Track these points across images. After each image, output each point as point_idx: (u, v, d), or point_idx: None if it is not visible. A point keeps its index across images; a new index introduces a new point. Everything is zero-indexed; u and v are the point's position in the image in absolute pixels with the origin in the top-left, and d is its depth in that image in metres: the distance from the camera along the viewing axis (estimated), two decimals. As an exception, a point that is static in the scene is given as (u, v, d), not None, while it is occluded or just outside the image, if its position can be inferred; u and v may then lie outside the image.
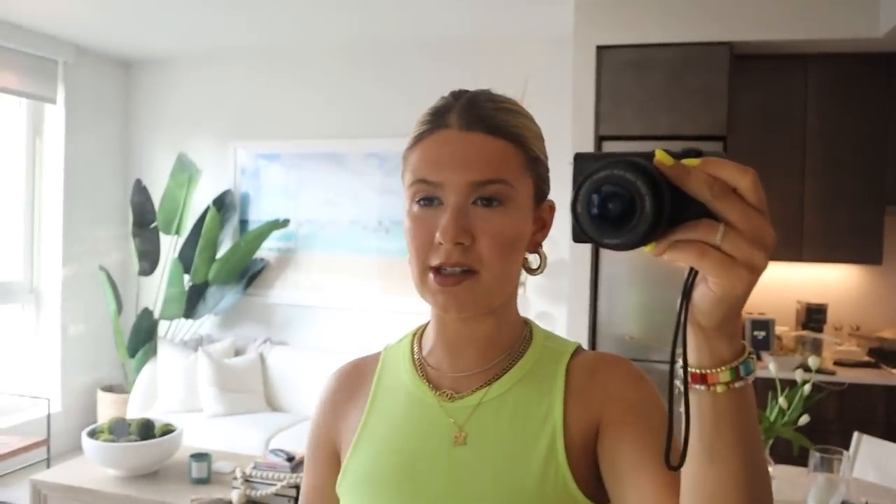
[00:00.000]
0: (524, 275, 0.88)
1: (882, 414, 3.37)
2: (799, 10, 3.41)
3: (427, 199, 0.80)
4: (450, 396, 0.86)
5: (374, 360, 0.96)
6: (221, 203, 4.56)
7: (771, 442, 2.08)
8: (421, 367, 0.90)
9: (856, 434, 2.58)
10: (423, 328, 0.94)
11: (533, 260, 0.88)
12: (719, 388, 0.54)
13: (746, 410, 0.56)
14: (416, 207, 0.81)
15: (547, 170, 0.87)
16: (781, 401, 2.00)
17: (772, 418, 2.01)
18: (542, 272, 0.89)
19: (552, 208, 0.88)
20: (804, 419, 2.02)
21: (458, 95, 0.85)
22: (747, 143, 3.61)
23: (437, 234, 0.77)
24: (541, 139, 0.86)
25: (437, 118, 0.82)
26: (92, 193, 4.73)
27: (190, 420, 3.79)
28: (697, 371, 0.55)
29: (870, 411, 3.36)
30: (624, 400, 0.81)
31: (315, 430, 0.95)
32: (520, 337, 0.89)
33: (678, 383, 0.56)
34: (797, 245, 3.66)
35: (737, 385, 0.54)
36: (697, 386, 0.55)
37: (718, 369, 0.54)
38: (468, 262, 0.78)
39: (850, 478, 2.14)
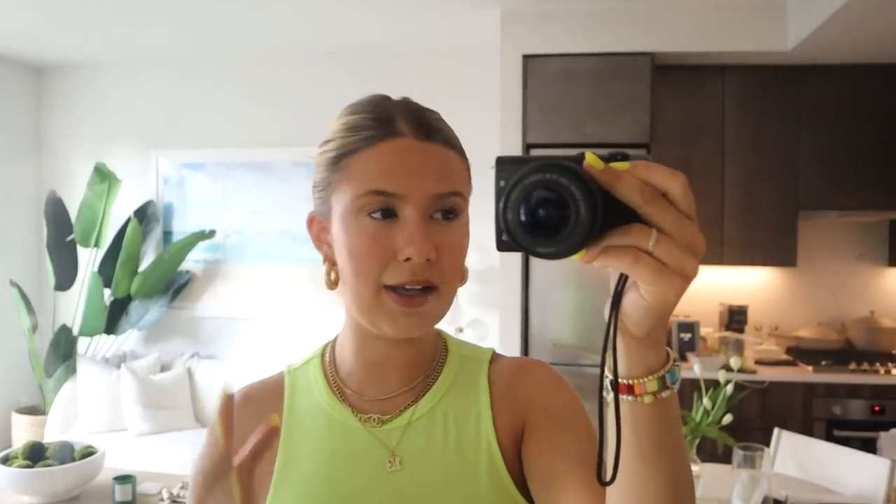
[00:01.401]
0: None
1: (800, 410, 3.51)
2: (715, 23, 3.54)
3: (383, 210, 0.73)
4: (377, 420, 0.81)
5: (278, 385, 0.88)
6: (143, 214, 4.41)
7: (697, 442, 2.14)
8: (339, 390, 0.84)
9: (776, 430, 2.68)
10: (331, 346, 0.88)
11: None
12: (647, 399, 0.53)
13: (672, 420, 0.56)
14: (367, 220, 0.73)
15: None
16: (706, 402, 2.06)
17: (697, 419, 2.07)
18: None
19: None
20: (727, 418, 2.09)
21: (390, 101, 0.80)
22: (670, 151, 3.72)
23: (406, 250, 0.71)
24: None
25: (386, 124, 0.76)
26: (1, 205, 4.50)
27: (114, 440, 3.65)
28: (625, 381, 0.54)
29: (789, 408, 3.51)
30: (545, 404, 0.80)
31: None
32: (436, 349, 0.87)
33: (607, 395, 0.55)
34: (718, 249, 3.79)
35: (663, 395, 0.54)
36: (624, 396, 0.54)
37: (646, 379, 0.53)
38: (432, 279, 0.73)
39: (771, 473, 2.22)
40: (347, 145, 0.76)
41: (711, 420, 2.06)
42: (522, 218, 0.48)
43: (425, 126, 0.77)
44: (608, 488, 0.58)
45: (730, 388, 2.08)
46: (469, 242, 0.81)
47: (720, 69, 3.82)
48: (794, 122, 3.79)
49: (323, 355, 0.89)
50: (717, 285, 4.08)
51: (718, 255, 3.80)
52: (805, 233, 3.91)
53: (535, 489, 0.77)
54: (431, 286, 0.74)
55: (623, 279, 0.52)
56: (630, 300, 0.51)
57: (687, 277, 0.49)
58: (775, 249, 3.80)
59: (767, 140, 3.82)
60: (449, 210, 0.75)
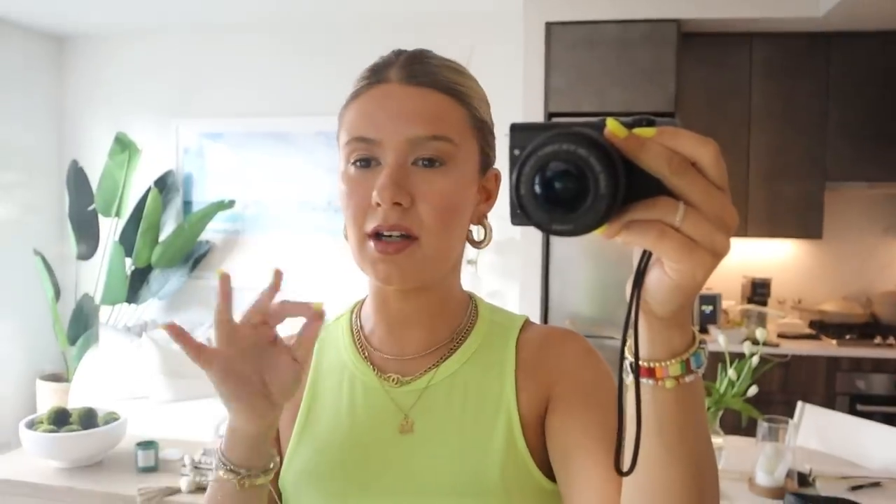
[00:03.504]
0: (475, 252, 0.83)
1: (822, 384, 3.48)
2: (744, -12, 3.45)
3: (363, 159, 0.74)
4: (396, 381, 0.80)
5: None
6: (164, 184, 4.41)
7: (720, 413, 2.12)
8: (363, 347, 0.84)
9: (799, 403, 2.65)
10: (361, 304, 0.88)
11: (477, 232, 0.83)
12: (668, 384, 0.50)
13: (695, 406, 0.52)
14: (351, 169, 0.75)
15: (493, 136, 0.82)
16: (731, 373, 2.03)
17: (721, 390, 2.05)
18: (486, 245, 0.84)
19: (498, 177, 0.83)
20: (752, 390, 2.06)
21: (399, 52, 0.79)
22: (694, 119, 3.66)
23: (374, 194, 0.71)
24: (486, 103, 0.81)
25: (377, 73, 0.77)
26: (24, 176, 4.52)
27: (136, 408, 3.69)
28: (646, 364, 0.50)
29: (811, 381, 3.47)
30: (574, 376, 0.78)
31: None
32: (465, 313, 0.84)
33: (627, 378, 0.52)
34: (742, 220, 3.73)
35: (687, 379, 0.50)
36: (645, 380, 0.51)
37: (668, 362, 0.50)
38: (407, 225, 0.72)
39: (795, 446, 2.20)
40: (348, 97, 0.78)
41: (736, 391, 2.03)
42: (537, 192, 0.44)
43: (414, 72, 0.75)
44: (627, 478, 0.55)
45: (755, 359, 2.05)
46: (468, 195, 0.77)
47: (748, 37, 3.73)
48: (823, 91, 3.70)
49: (352, 312, 0.89)
50: (741, 258, 4.03)
51: (743, 227, 3.74)
52: (831, 205, 3.84)
53: (556, 463, 0.75)
54: (408, 234, 0.72)
55: (647, 255, 0.48)
56: (654, 278, 0.47)
57: (717, 254, 0.44)
58: (801, 221, 3.74)
59: (795, 110, 3.73)
60: (430, 158, 0.73)
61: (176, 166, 4.52)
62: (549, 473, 0.77)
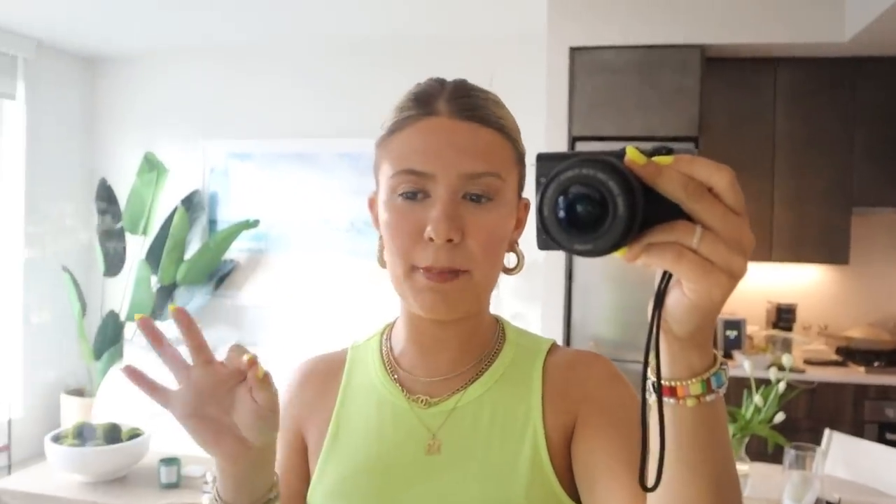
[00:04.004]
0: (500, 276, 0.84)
1: (850, 412, 3.42)
2: (768, 14, 3.45)
3: (412, 192, 0.74)
4: (424, 402, 0.81)
5: (341, 358, 0.90)
6: (190, 203, 4.48)
7: (746, 440, 2.09)
8: (392, 369, 0.85)
9: (827, 431, 2.61)
10: (392, 326, 0.89)
11: (508, 259, 0.84)
12: (689, 402, 0.51)
13: (717, 425, 0.53)
14: (399, 200, 0.75)
15: (525, 166, 0.83)
16: (757, 399, 2.01)
17: (748, 416, 2.03)
18: (519, 272, 0.84)
19: (527, 206, 0.84)
20: (779, 417, 2.04)
21: (441, 81, 0.80)
22: (718, 143, 3.65)
23: (428, 229, 0.72)
24: (520, 134, 0.83)
25: (423, 104, 0.77)
26: (54, 193, 4.61)
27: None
28: (667, 384, 0.52)
29: (839, 409, 3.42)
30: (600, 399, 0.78)
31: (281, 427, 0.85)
32: (493, 337, 0.85)
33: (650, 397, 0.53)
34: (767, 245, 3.71)
35: (708, 398, 0.51)
36: (666, 399, 0.52)
37: (689, 381, 0.51)
38: (458, 264, 0.73)
39: (823, 474, 2.16)
40: (391, 126, 0.78)
41: (763, 418, 2.01)
42: (559, 214, 0.46)
43: (464, 105, 0.76)
44: (651, 497, 0.56)
45: (782, 385, 2.03)
46: (511, 226, 0.79)
47: (773, 61, 3.73)
48: (849, 116, 3.68)
49: (382, 334, 0.90)
50: (765, 283, 4.00)
51: (767, 252, 3.72)
52: (858, 230, 3.80)
53: (581, 485, 0.76)
54: (458, 270, 0.73)
55: (667, 277, 0.50)
56: (674, 299, 0.49)
57: (734, 276, 0.46)
58: (827, 246, 3.70)
59: (820, 134, 3.71)
60: (479, 193, 0.74)
61: (202, 186, 4.58)
62: (574, 495, 0.77)
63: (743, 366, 2.19)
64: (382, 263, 0.80)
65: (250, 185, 4.52)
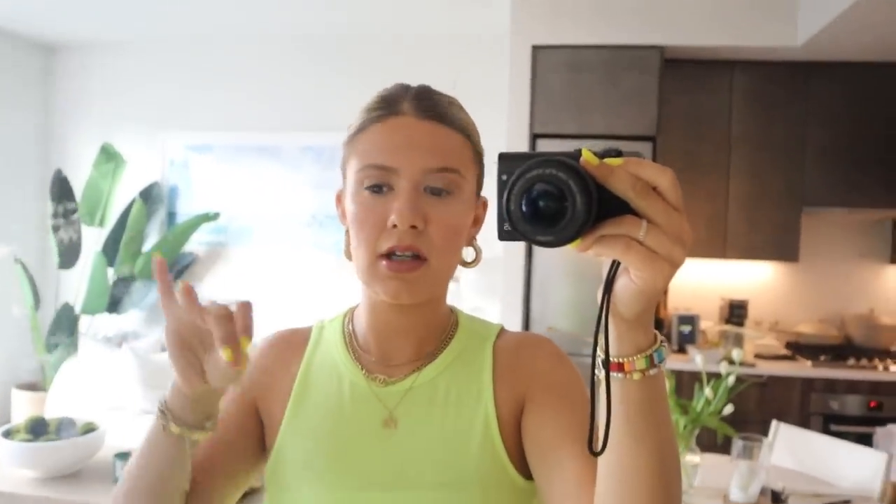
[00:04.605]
0: (458, 270, 0.89)
1: (797, 404, 3.53)
2: (725, 18, 3.54)
3: (377, 185, 0.80)
4: (382, 381, 0.86)
5: (306, 334, 0.95)
6: (148, 195, 4.41)
7: (697, 431, 2.15)
8: (353, 349, 0.90)
9: (774, 422, 2.70)
10: (354, 310, 0.94)
11: (467, 254, 0.89)
12: (635, 376, 0.57)
13: (659, 397, 0.59)
14: (365, 193, 0.80)
15: (484, 167, 0.89)
16: (707, 391, 2.07)
17: (698, 409, 2.08)
18: (476, 265, 0.90)
19: (485, 205, 0.90)
20: (728, 409, 2.10)
21: (406, 86, 0.85)
22: (676, 144, 3.73)
23: (392, 217, 0.77)
24: (479, 136, 0.88)
25: (389, 105, 0.82)
26: (8, 183, 4.50)
27: (114, 419, 3.66)
28: (616, 360, 0.57)
29: (786, 402, 3.53)
30: (547, 377, 0.84)
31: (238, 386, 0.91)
32: (447, 324, 0.91)
33: (599, 373, 0.59)
34: (721, 243, 3.81)
35: (651, 372, 0.57)
36: (615, 374, 0.58)
37: (634, 357, 0.57)
38: (419, 247, 0.78)
39: (769, 464, 2.24)
40: (359, 125, 0.83)
41: (712, 410, 2.07)
42: (524, 209, 0.52)
43: (427, 106, 0.82)
44: (600, 459, 0.63)
45: (731, 378, 2.10)
46: (469, 221, 0.85)
47: (729, 64, 3.82)
48: (802, 118, 3.80)
49: (346, 317, 0.95)
50: (719, 279, 4.10)
51: (721, 250, 3.81)
52: (808, 229, 3.92)
53: (532, 459, 0.81)
54: (419, 255, 0.78)
55: (615, 265, 0.56)
56: (621, 285, 0.55)
57: (674, 264, 0.52)
58: (778, 245, 3.81)
59: (774, 136, 3.82)
60: (440, 188, 0.79)
61: (161, 178, 4.52)
62: (523, 471, 0.82)
63: (695, 360, 2.25)
64: (349, 256, 0.85)
65: (210, 177, 4.47)
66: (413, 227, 0.77)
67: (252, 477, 0.92)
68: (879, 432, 3.42)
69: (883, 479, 2.38)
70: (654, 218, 0.51)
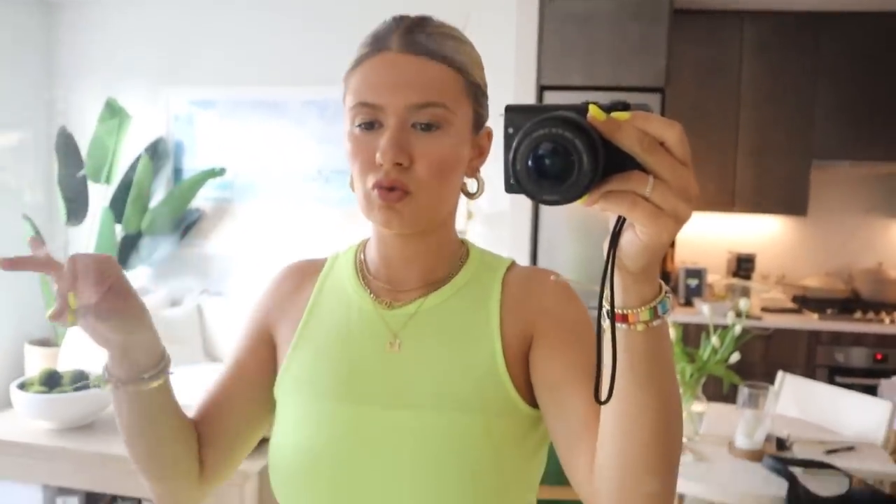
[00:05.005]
0: (465, 224, 0.90)
1: (803, 356, 3.56)
2: (737, -35, 3.47)
3: (367, 122, 0.81)
4: (388, 304, 0.88)
5: (320, 264, 0.98)
6: (154, 151, 4.39)
7: (703, 380, 2.17)
8: (363, 276, 0.92)
9: (780, 373, 2.72)
10: (367, 242, 0.96)
11: (471, 184, 0.90)
12: (639, 327, 0.58)
13: (662, 346, 0.61)
14: (357, 130, 0.82)
15: (486, 97, 0.88)
16: (714, 340, 2.08)
17: (705, 357, 2.10)
18: (479, 196, 0.91)
19: (490, 135, 0.89)
20: (735, 357, 2.12)
21: (399, 20, 0.85)
22: (685, 95, 3.69)
23: (378, 155, 0.79)
24: (480, 67, 0.88)
25: (378, 41, 0.83)
26: (12, 141, 4.49)
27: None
28: (620, 311, 0.58)
29: (792, 355, 3.55)
30: (557, 314, 0.85)
31: (254, 312, 0.97)
32: (457, 254, 0.92)
33: (604, 323, 0.59)
34: (729, 196, 3.79)
35: (655, 323, 0.58)
36: (620, 325, 0.59)
37: (639, 309, 0.58)
38: (404, 182, 0.79)
39: (774, 412, 2.26)
40: (353, 62, 0.85)
41: (719, 358, 2.09)
42: (530, 168, 0.51)
43: (412, 41, 0.81)
44: (605, 407, 0.64)
45: (738, 328, 2.11)
46: (462, 154, 0.84)
47: (739, 15, 3.76)
48: (812, 70, 3.74)
49: (358, 247, 0.97)
50: (727, 233, 4.09)
51: (729, 203, 3.80)
52: (817, 182, 3.89)
53: (539, 393, 0.82)
54: (401, 188, 0.79)
55: (621, 220, 0.55)
56: (627, 239, 0.55)
57: (680, 220, 0.52)
58: (787, 198, 3.80)
59: (784, 88, 3.77)
60: (427, 123, 0.80)
61: (166, 133, 4.50)
62: (529, 400, 0.84)
63: (703, 311, 2.26)
64: (353, 188, 0.86)
65: (215, 133, 4.44)
66: (398, 164, 0.78)
67: (270, 415, 0.93)
68: (884, 384, 3.44)
69: (887, 428, 2.41)
70: (660, 173, 0.51)
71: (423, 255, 0.89)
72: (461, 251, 0.93)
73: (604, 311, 0.59)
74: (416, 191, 0.80)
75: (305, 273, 0.97)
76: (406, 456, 0.80)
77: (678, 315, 3.41)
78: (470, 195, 0.90)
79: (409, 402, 0.82)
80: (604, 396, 0.59)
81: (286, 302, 0.95)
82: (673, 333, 2.18)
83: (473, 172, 0.88)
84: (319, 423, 0.84)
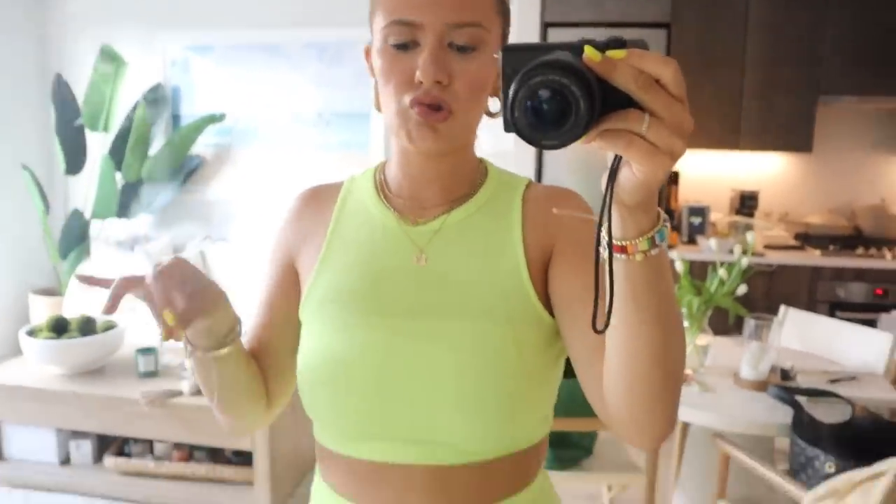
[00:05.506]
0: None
1: (805, 292, 3.58)
2: None
3: (402, 43, 0.80)
4: (412, 221, 0.89)
5: (338, 187, 0.97)
6: (152, 97, 4.33)
7: (709, 313, 2.19)
8: (385, 195, 0.92)
9: (782, 307, 2.74)
10: (385, 163, 0.96)
11: (493, 104, 0.89)
12: (638, 257, 0.60)
13: (662, 274, 0.62)
14: (391, 49, 0.81)
15: (509, 15, 0.88)
16: (721, 272, 2.09)
17: (712, 289, 2.11)
18: (499, 116, 0.90)
19: None
20: (742, 289, 2.13)
21: None
22: (690, 31, 3.62)
23: (418, 73, 0.78)
24: None
25: None
26: (6, 90, 4.42)
27: (129, 321, 3.74)
28: (618, 243, 0.60)
29: (794, 290, 3.58)
30: (576, 232, 0.85)
31: (275, 248, 0.98)
32: (477, 173, 0.92)
33: (604, 253, 0.61)
34: (735, 133, 3.76)
35: (653, 252, 0.60)
36: (619, 255, 0.60)
37: (637, 240, 0.59)
38: (446, 100, 0.79)
39: (778, 345, 2.29)
40: None
41: (726, 290, 2.10)
42: (528, 115, 0.52)
43: None
44: (609, 336, 0.68)
45: (745, 260, 2.12)
46: (493, 74, 0.83)
47: (746, -54, 3.67)
48: (820, 4, 3.67)
49: (377, 169, 0.97)
50: (730, 171, 4.07)
51: (734, 140, 3.77)
52: (822, 119, 3.86)
53: (557, 307, 0.84)
54: (444, 106, 0.79)
55: (618, 158, 0.56)
56: (623, 176, 0.56)
57: (675, 156, 0.53)
58: (792, 135, 3.76)
59: (792, 22, 3.70)
60: (464, 44, 0.79)
61: (163, 80, 4.43)
62: (551, 311, 0.86)
63: (710, 245, 2.27)
64: (378, 107, 0.86)
65: (213, 78, 4.38)
66: (438, 82, 0.78)
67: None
68: (884, 318, 3.48)
69: (888, 358, 2.44)
70: (656, 111, 0.51)
71: (446, 174, 0.89)
72: (481, 169, 0.93)
73: (604, 242, 0.60)
74: (455, 110, 0.80)
75: (322, 197, 0.97)
76: (439, 363, 0.82)
77: (682, 252, 3.42)
78: (490, 114, 0.89)
79: (438, 312, 0.84)
80: (600, 325, 0.62)
81: (306, 228, 0.95)
82: (681, 267, 2.19)
83: (496, 92, 0.87)
84: (348, 335, 0.85)
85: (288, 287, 0.95)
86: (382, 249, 0.89)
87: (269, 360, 0.95)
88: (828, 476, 1.70)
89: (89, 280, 0.84)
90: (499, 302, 0.83)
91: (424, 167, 0.88)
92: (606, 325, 0.62)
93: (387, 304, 0.85)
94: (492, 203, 0.90)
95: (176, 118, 4.44)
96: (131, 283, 0.81)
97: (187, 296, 0.80)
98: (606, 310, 0.61)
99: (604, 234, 0.60)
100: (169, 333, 0.80)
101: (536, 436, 0.87)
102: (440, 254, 0.87)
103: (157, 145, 4.36)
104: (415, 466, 0.83)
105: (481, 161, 0.95)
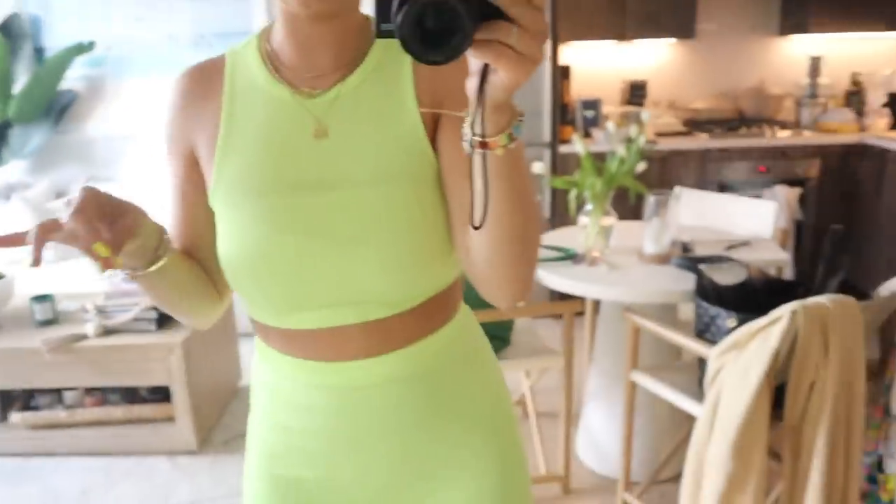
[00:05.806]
0: None
1: (695, 174, 3.77)
2: None
3: None
4: (307, 94, 0.87)
5: (220, 63, 0.93)
6: (8, 29, 3.96)
7: (612, 194, 2.26)
8: (274, 68, 0.89)
9: (676, 188, 2.86)
10: (269, 30, 0.92)
11: None
12: (498, 152, 0.66)
13: (518, 165, 0.71)
14: None
15: None
16: (621, 150, 2.15)
17: (613, 169, 2.17)
18: None
19: None
20: (641, 166, 2.20)
21: None
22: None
23: None
24: None
25: None
26: None
27: (15, 272, 3.52)
28: (480, 139, 0.66)
29: (685, 173, 3.75)
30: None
31: (170, 141, 0.94)
32: (365, 32, 0.90)
33: (470, 149, 0.67)
34: (620, 24, 3.81)
35: (511, 146, 0.66)
36: (481, 150, 0.66)
37: (498, 136, 0.65)
38: None
39: (677, 222, 2.40)
40: None
41: (626, 169, 2.16)
42: (415, 32, 0.56)
43: None
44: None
45: (643, 139, 2.18)
46: None
47: None
48: None
49: (259, 37, 0.92)
50: (619, 63, 4.15)
51: (621, 30, 3.83)
52: (704, 4, 3.97)
53: (442, 170, 0.87)
54: None
55: (486, 65, 0.61)
56: (491, 81, 0.61)
57: (536, 62, 0.58)
58: (674, 21, 3.86)
59: None
60: None
61: (19, 8, 4.05)
62: None
63: (608, 129, 2.32)
64: None
65: (76, 4, 4.04)
66: None
67: None
68: (766, 193, 3.70)
69: (773, 225, 2.62)
70: (521, 21, 0.56)
71: (334, 36, 0.87)
72: (367, 26, 0.91)
73: (471, 139, 0.66)
74: None
75: (206, 76, 0.92)
76: (356, 231, 0.83)
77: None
78: None
79: (344, 181, 0.84)
80: (477, 221, 0.69)
81: (196, 113, 0.91)
82: (581, 148, 2.23)
83: None
84: (259, 218, 0.85)
85: (197, 177, 0.92)
86: (280, 127, 0.87)
87: (202, 253, 0.95)
88: (730, 331, 1.82)
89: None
90: (403, 165, 0.85)
91: (313, 32, 0.86)
92: (483, 221, 0.69)
93: (292, 181, 0.85)
94: (383, 65, 0.89)
95: (39, 51, 4.09)
96: (49, 229, 0.79)
97: (111, 222, 0.79)
98: (482, 202, 0.67)
99: (469, 130, 0.65)
100: (106, 264, 0.80)
101: (451, 277, 0.93)
102: (339, 123, 0.86)
103: (21, 82, 4.02)
104: (348, 326, 0.87)
105: (367, 18, 0.92)
